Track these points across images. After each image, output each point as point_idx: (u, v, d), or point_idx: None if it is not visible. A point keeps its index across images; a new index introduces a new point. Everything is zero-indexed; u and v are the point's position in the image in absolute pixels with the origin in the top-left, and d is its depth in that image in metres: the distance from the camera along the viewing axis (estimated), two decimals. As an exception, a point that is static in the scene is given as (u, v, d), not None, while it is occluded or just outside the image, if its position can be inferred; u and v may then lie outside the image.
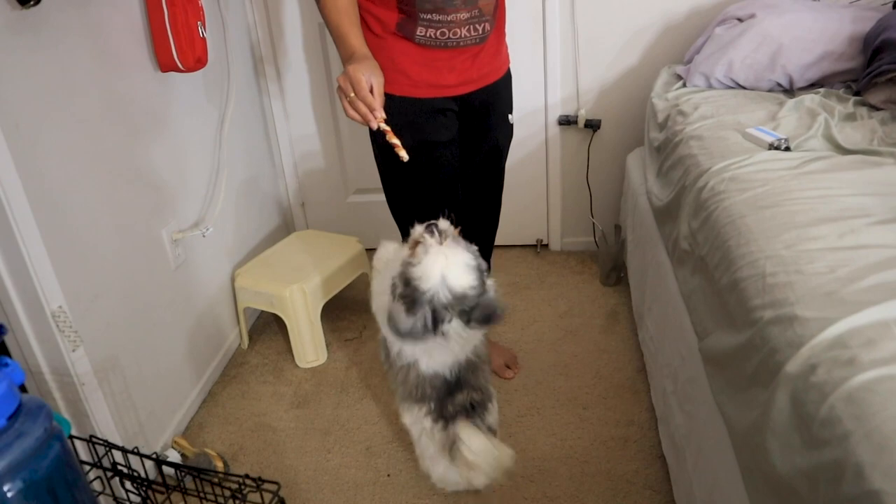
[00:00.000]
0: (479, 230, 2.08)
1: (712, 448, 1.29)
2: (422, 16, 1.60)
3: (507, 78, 1.93)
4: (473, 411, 1.57)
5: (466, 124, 1.84)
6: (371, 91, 1.49)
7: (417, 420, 1.62)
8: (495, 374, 2.11)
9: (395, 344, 1.56)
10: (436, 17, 1.60)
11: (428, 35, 1.63)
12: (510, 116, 1.96)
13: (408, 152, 1.54)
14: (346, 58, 1.57)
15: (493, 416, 1.66)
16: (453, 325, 1.44)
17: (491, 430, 1.63)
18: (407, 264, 1.41)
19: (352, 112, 1.51)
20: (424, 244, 1.41)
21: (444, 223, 1.46)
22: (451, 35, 1.64)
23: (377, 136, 1.63)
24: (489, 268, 2.14)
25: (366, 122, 1.52)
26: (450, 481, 1.67)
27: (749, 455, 1.06)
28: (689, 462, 1.44)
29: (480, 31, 1.68)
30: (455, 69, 1.72)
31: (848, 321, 0.95)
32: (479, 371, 1.61)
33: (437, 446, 1.60)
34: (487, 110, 1.86)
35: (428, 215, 1.66)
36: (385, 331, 1.58)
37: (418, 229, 1.45)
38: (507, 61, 1.93)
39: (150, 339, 1.88)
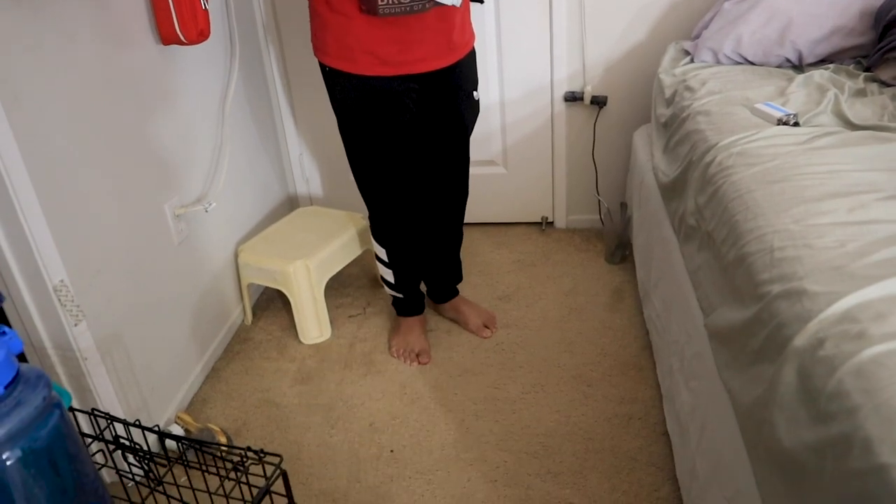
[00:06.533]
0: (448, 208, 2.14)
1: (716, 425, 1.28)
2: None
3: (472, 56, 1.95)
4: None
5: (432, 103, 1.87)
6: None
7: None
8: (473, 334, 2.22)
9: None
10: None
11: (389, 2, 1.63)
12: (475, 94, 1.99)
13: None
14: None
15: None
16: None
17: None
18: None
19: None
20: None
21: None
22: None
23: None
24: (460, 245, 2.26)
25: None
26: None
27: (754, 430, 1.05)
28: (692, 439, 1.44)
29: None
30: (424, 41, 1.74)
31: (857, 295, 0.93)
32: None
33: None
34: (453, 89, 1.89)
35: (393, 192, 1.96)
36: None
37: None
38: (472, 40, 1.94)
39: (153, 314, 1.88)
